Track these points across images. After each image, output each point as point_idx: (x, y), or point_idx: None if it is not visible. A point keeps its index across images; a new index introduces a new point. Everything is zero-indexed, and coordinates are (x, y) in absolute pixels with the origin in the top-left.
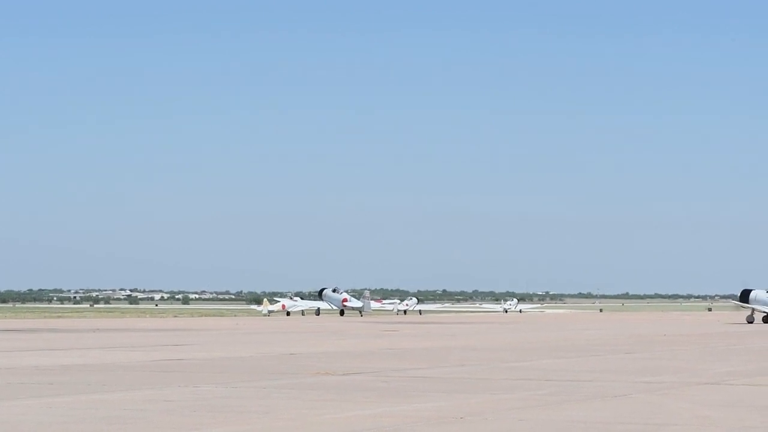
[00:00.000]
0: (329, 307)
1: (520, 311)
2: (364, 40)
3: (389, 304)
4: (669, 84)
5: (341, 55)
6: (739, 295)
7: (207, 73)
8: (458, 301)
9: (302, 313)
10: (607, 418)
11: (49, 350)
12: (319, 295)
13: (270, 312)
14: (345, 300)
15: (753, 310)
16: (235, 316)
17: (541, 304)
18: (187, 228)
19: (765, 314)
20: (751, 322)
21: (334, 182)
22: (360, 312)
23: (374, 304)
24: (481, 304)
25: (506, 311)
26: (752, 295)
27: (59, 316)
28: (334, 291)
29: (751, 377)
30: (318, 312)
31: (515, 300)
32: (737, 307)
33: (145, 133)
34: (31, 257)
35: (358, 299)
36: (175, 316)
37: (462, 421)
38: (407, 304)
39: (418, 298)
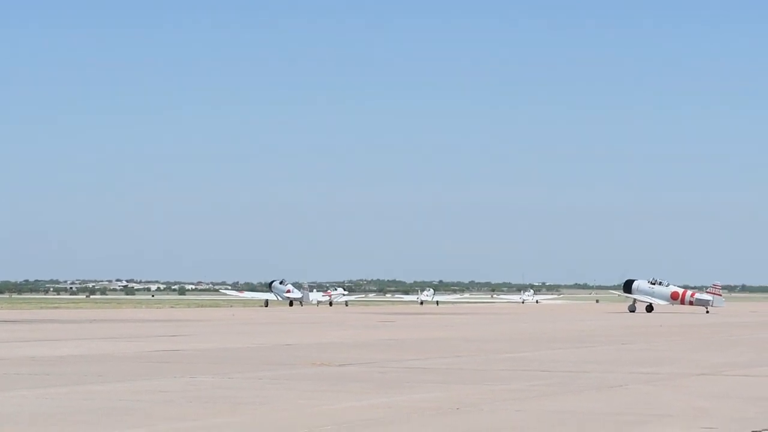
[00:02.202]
0: (276, 299)
1: (537, 302)
2: (355, 30)
3: (336, 295)
4: (672, 77)
5: (333, 48)
6: (622, 285)
7: (202, 67)
8: (454, 291)
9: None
10: (603, 408)
11: (45, 341)
12: (269, 286)
13: (319, 302)
14: (288, 291)
15: (635, 300)
16: (231, 306)
17: (558, 294)
18: (183, 218)
19: (648, 304)
20: (633, 311)
21: (329, 174)
22: (300, 302)
23: (314, 295)
24: (498, 295)
25: (524, 302)
26: (635, 285)
27: (56, 307)
28: (281, 283)
29: (747, 368)
30: (266, 303)
31: (532, 291)
32: (621, 297)
33: (140, 124)
34: (27, 248)
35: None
36: (172, 307)
37: (458, 411)
38: (427, 295)
39: (434, 289)
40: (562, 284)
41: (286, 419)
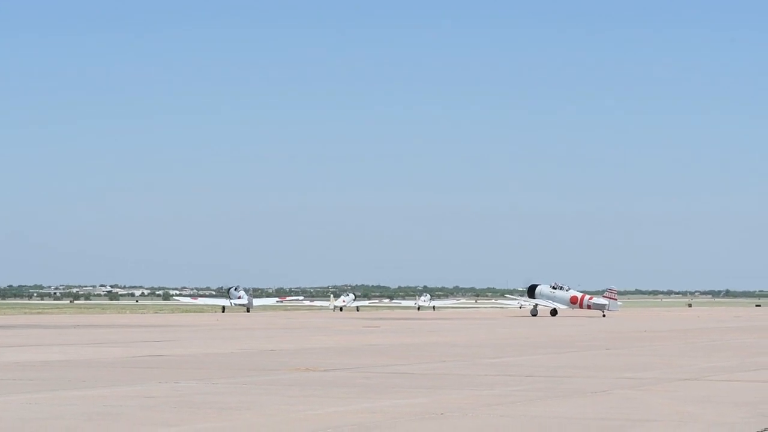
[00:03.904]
0: (230, 305)
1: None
2: (349, 36)
3: (291, 300)
4: (657, 83)
5: (314, 55)
6: (526, 289)
7: (190, 71)
8: (439, 297)
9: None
10: (588, 413)
11: (30, 346)
12: (227, 292)
13: (335, 307)
14: (240, 297)
15: (536, 305)
16: (215, 311)
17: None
18: (167, 224)
19: (551, 308)
20: (535, 315)
21: (315, 180)
22: (247, 309)
23: (257, 301)
24: (496, 300)
25: (521, 306)
26: (537, 290)
27: (39, 312)
28: (236, 289)
29: (731, 373)
30: (224, 309)
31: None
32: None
33: (126, 130)
34: (11, 253)
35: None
36: (156, 312)
37: (442, 416)
38: (424, 300)
39: (431, 294)
40: None
41: (271, 424)
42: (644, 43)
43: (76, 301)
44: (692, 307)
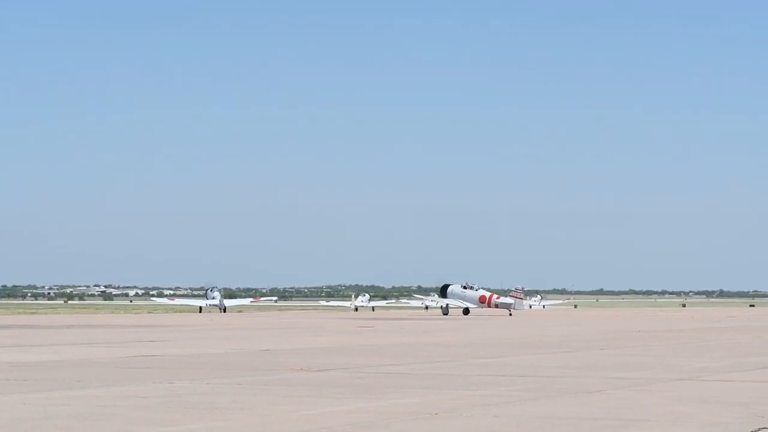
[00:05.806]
0: (206, 305)
1: (543, 307)
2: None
3: (266, 300)
4: (652, 82)
5: (320, 50)
6: (440, 288)
7: (185, 69)
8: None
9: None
10: (581, 413)
11: (23, 346)
12: (205, 293)
13: (357, 307)
14: (214, 298)
15: (447, 304)
16: (209, 311)
17: (568, 299)
18: (162, 224)
19: (464, 308)
20: (446, 314)
21: (310, 180)
22: (221, 309)
23: (231, 302)
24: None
25: (530, 307)
26: (449, 289)
27: (33, 313)
28: (211, 290)
29: (724, 373)
30: (200, 310)
31: (539, 296)
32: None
33: (118, 129)
34: (4, 253)
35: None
36: (150, 312)
37: (436, 417)
38: (432, 300)
39: (437, 293)
40: (541, 289)
41: (264, 425)
42: (641, 41)
43: (70, 302)
44: (686, 307)
